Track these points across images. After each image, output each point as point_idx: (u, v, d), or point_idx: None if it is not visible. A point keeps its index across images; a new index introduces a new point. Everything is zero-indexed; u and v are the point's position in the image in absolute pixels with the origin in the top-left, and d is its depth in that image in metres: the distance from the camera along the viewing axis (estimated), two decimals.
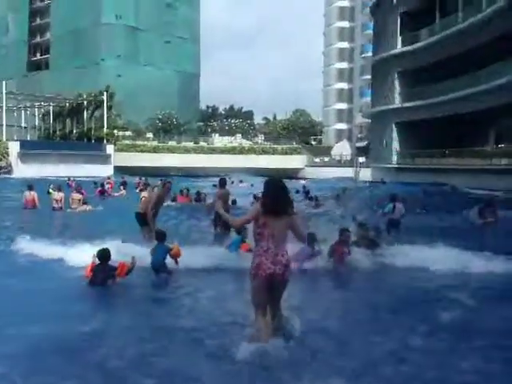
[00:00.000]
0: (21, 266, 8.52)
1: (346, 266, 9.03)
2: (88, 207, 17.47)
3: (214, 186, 13.47)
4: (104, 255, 7.44)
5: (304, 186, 29.77)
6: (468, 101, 34.69)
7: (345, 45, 79.18)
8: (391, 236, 11.83)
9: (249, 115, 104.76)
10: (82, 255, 8.22)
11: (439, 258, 8.68)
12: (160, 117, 74.34)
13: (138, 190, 23.55)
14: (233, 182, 30.85)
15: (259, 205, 5.16)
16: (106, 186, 25.91)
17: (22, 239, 9.82)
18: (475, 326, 5.74)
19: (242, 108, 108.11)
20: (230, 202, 13.02)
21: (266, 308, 5.02)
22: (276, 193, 5.09)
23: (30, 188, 17.54)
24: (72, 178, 29.83)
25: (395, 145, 45.41)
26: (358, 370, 4.58)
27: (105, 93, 54.84)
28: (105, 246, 7.69)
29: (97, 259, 7.47)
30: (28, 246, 9.49)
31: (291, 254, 5.71)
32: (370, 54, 56.80)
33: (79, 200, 17.44)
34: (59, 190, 18.06)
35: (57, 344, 5.01)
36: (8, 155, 43.52)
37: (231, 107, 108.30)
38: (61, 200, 17.43)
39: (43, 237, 10.09)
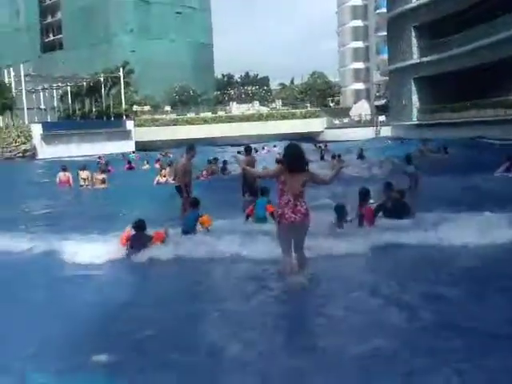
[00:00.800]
0: None
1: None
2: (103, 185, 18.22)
3: (239, 153, 13.70)
4: (140, 225, 7.97)
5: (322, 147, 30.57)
6: (488, 50, 34.01)
7: (358, 2, 77.52)
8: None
9: (265, 81, 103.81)
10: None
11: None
12: (176, 89, 74.28)
13: (157, 165, 23.98)
14: (257, 151, 31.20)
15: (280, 165, 6.32)
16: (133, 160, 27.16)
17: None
18: None
19: (257, 75, 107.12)
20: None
21: (290, 249, 6.22)
22: (293, 154, 6.18)
23: (64, 169, 18.52)
24: (103, 156, 30.52)
25: (415, 101, 44.92)
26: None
27: (121, 69, 54.94)
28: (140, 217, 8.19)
29: (132, 230, 7.90)
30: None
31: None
32: (384, 9, 55.65)
33: (102, 179, 18.27)
34: (84, 168, 18.88)
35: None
36: (31, 138, 44.12)
37: (247, 74, 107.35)
38: (88, 178, 18.44)
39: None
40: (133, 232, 7.98)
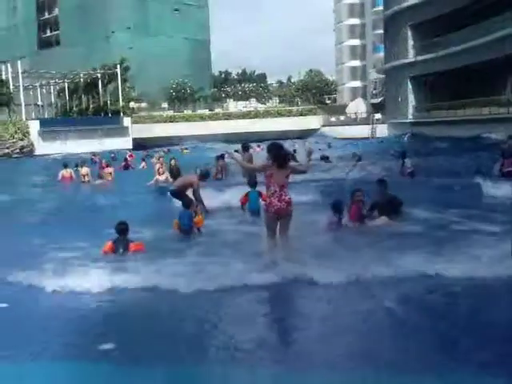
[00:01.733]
0: None
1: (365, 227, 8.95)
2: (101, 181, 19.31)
3: (236, 151, 14.00)
4: (122, 229, 7.87)
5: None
6: (483, 49, 34.26)
7: (355, 0, 77.85)
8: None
9: (262, 78, 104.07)
10: None
11: None
12: (173, 86, 74.39)
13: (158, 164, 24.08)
14: (259, 146, 32.53)
15: (266, 161, 7.50)
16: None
17: None
18: None
19: (254, 71, 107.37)
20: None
21: (275, 233, 7.28)
22: (279, 153, 7.27)
23: (66, 166, 19.85)
24: (97, 154, 30.67)
25: (411, 99, 45.19)
26: None
27: (118, 66, 55.03)
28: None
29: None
30: None
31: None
32: (381, 7, 55.92)
33: (110, 173, 19.61)
34: (84, 165, 20.09)
35: None
36: (29, 134, 44.22)
37: (243, 71, 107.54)
38: (87, 174, 19.36)
39: None
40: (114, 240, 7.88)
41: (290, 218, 7.23)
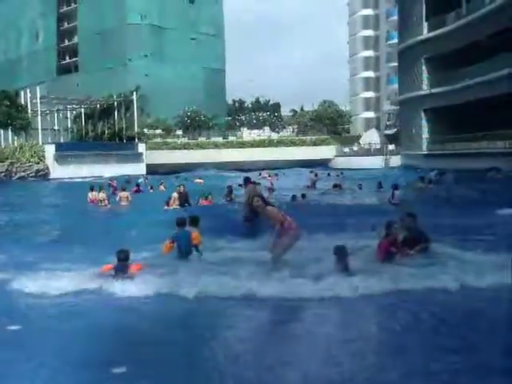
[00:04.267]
0: None
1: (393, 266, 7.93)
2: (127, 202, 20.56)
3: (240, 185, 13.93)
4: (122, 257, 7.85)
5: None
6: (497, 83, 34.34)
7: (370, 33, 78.60)
8: None
9: (276, 107, 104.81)
10: None
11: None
12: (188, 113, 75.03)
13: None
14: (260, 174, 33.56)
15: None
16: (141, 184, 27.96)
17: None
18: None
19: (268, 101, 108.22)
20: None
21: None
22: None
23: (92, 189, 21.01)
24: (114, 179, 31.09)
25: (424, 131, 45.23)
26: None
27: (134, 93, 55.78)
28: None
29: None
30: None
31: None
32: (395, 40, 56.39)
33: (127, 197, 20.69)
34: (101, 190, 21.05)
35: None
36: (44, 158, 44.74)
37: (257, 100, 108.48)
38: (104, 199, 20.53)
39: None
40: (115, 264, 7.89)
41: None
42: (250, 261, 8.59)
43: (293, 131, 73.75)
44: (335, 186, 25.49)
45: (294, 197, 18.72)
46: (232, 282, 7.17)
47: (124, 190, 21.72)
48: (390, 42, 65.40)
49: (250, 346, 5.45)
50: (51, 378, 4.68)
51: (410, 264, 7.99)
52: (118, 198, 20.76)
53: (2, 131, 50.35)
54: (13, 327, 5.85)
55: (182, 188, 18.36)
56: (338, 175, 35.18)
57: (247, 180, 13.52)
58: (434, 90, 42.76)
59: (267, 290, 6.84)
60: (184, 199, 17.58)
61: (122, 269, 7.72)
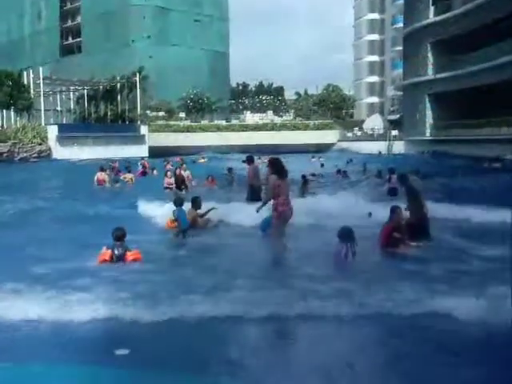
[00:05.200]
0: None
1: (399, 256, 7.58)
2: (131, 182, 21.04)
3: (243, 161, 14.09)
4: (119, 235, 7.66)
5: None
6: (503, 69, 34.00)
7: (375, 16, 77.95)
8: None
9: (279, 91, 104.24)
10: None
11: None
12: (191, 96, 74.74)
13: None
14: (260, 158, 32.58)
15: (273, 176, 8.36)
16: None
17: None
18: None
19: (272, 84, 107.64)
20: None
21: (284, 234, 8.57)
22: (282, 167, 8.48)
23: (102, 169, 20.64)
24: (115, 161, 31.00)
25: (428, 117, 44.98)
26: None
27: (137, 74, 55.45)
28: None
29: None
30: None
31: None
32: (401, 24, 55.86)
33: (131, 178, 21.06)
34: (103, 170, 20.84)
35: None
36: (47, 139, 44.64)
37: (261, 84, 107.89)
38: (105, 180, 20.41)
39: None
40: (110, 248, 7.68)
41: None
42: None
43: (296, 116, 73.52)
44: (338, 171, 24.08)
45: (303, 177, 18.61)
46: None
47: (129, 171, 22.16)
48: (396, 26, 64.89)
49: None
50: None
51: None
52: (124, 179, 21.01)
53: (4, 112, 50.11)
54: None
55: (178, 171, 18.93)
56: (347, 162, 33.99)
57: (250, 158, 13.63)
58: (438, 76, 42.44)
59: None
60: (181, 181, 17.60)
61: (120, 257, 7.55)
